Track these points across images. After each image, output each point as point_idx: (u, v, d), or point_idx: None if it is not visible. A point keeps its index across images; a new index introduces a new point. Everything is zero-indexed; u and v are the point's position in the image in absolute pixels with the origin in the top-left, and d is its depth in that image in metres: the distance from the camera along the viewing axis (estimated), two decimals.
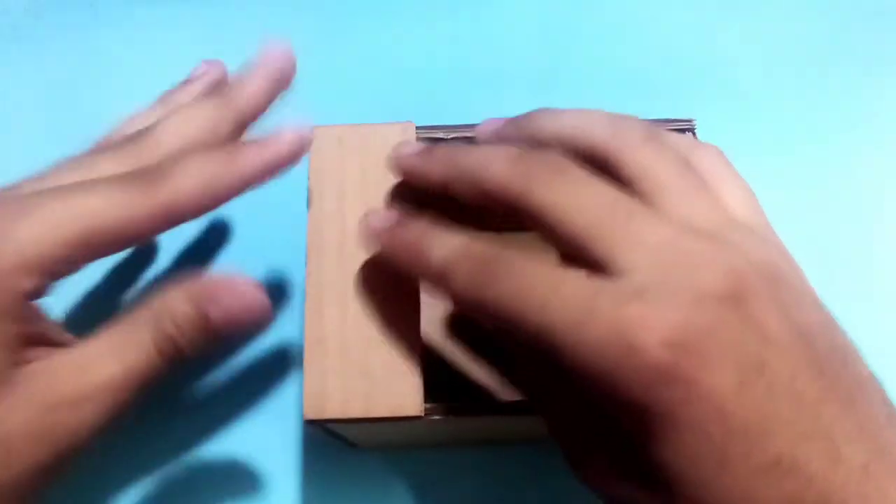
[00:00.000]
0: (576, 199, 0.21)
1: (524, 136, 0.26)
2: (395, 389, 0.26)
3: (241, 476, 0.35)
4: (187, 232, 0.40)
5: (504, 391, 0.34)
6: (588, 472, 0.22)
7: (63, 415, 0.23)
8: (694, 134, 0.30)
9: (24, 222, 0.23)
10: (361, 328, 0.26)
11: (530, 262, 0.21)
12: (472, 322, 0.35)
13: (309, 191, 0.28)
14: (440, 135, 0.29)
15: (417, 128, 0.29)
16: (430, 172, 0.25)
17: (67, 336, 0.26)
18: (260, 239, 0.40)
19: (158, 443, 0.35)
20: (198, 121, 0.27)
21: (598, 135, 0.24)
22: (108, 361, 0.24)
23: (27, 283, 0.23)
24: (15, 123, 0.44)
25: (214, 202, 0.25)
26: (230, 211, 0.40)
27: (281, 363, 0.37)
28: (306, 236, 0.27)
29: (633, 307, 0.19)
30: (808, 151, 0.43)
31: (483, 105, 0.43)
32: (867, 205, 0.42)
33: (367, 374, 0.26)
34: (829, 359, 0.20)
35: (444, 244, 0.23)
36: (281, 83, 0.28)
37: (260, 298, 0.25)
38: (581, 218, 0.21)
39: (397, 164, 0.26)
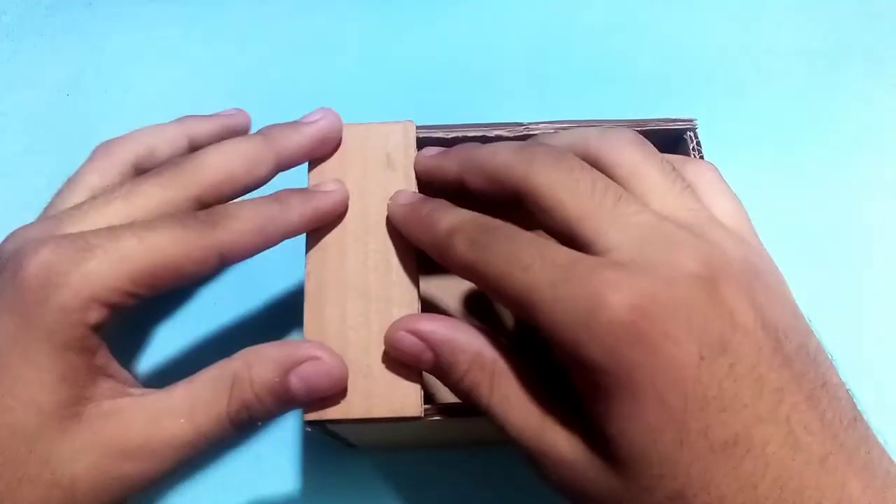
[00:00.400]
0: (570, 184, 0.23)
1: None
2: (395, 390, 0.25)
3: (240, 476, 0.35)
4: None
5: None
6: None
7: (129, 465, 0.23)
8: (695, 133, 0.30)
9: (94, 257, 0.23)
10: (361, 328, 0.26)
11: (524, 232, 0.23)
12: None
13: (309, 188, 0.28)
14: (440, 134, 0.29)
15: (418, 127, 0.29)
16: (447, 168, 0.27)
17: (125, 373, 0.25)
18: None
19: None
20: (240, 156, 0.27)
21: (592, 141, 0.25)
22: (180, 419, 0.24)
23: (94, 316, 0.23)
24: (15, 123, 0.44)
25: (265, 246, 0.26)
26: None
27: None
28: (306, 235, 0.27)
29: (608, 272, 0.20)
30: (807, 151, 0.43)
31: (483, 104, 0.43)
32: (867, 204, 0.42)
33: (367, 375, 0.26)
34: (796, 356, 0.20)
35: (453, 215, 0.25)
36: (324, 146, 0.29)
37: (341, 371, 0.25)
38: (573, 200, 0.22)
39: (418, 165, 0.28)
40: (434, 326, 0.24)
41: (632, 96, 0.44)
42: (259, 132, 0.28)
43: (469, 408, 0.26)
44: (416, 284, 0.27)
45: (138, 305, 0.24)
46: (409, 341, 0.25)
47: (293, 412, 0.35)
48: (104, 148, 0.30)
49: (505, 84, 0.44)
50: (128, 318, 0.35)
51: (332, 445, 0.34)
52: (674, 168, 0.24)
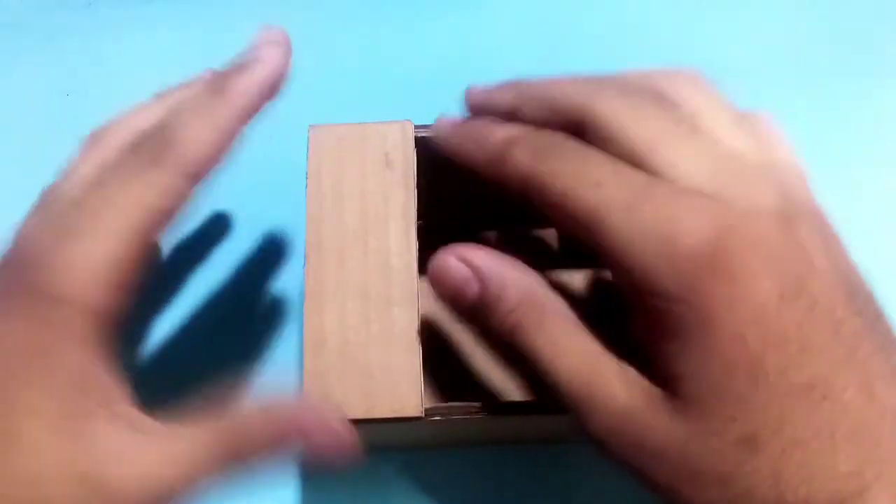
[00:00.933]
0: (639, 113, 0.22)
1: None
2: (395, 390, 0.25)
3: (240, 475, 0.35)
4: (186, 229, 0.40)
5: (505, 392, 0.34)
6: None
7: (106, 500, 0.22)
8: None
9: (79, 237, 0.23)
10: (361, 328, 0.26)
11: (594, 148, 0.22)
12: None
13: (307, 190, 0.28)
14: None
15: (416, 127, 0.29)
16: (499, 99, 0.26)
17: (125, 388, 0.24)
18: (259, 237, 0.40)
19: None
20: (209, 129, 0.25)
21: (659, 79, 0.24)
22: (170, 464, 0.22)
23: (103, 300, 0.22)
24: (15, 123, 0.44)
25: (227, 143, 0.25)
26: (229, 208, 0.41)
27: (280, 364, 0.37)
28: (305, 236, 0.27)
29: (689, 198, 0.20)
30: (807, 151, 0.43)
31: None
32: (866, 203, 0.41)
33: (367, 375, 0.26)
34: (866, 307, 0.20)
35: (508, 128, 0.24)
36: (277, 83, 0.27)
37: (351, 438, 0.23)
38: (642, 130, 0.21)
39: (469, 96, 0.27)
40: (485, 256, 0.23)
41: None
42: (211, 86, 0.26)
43: (469, 408, 0.26)
44: (416, 284, 0.27)
45: (140, 278, 0.24)
46: (456, 268, 0.23)
47: None
48: (94, 137, 0.30)
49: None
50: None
51: None
52: (739, 112, 0.23)
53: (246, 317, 0.38)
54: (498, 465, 0.35)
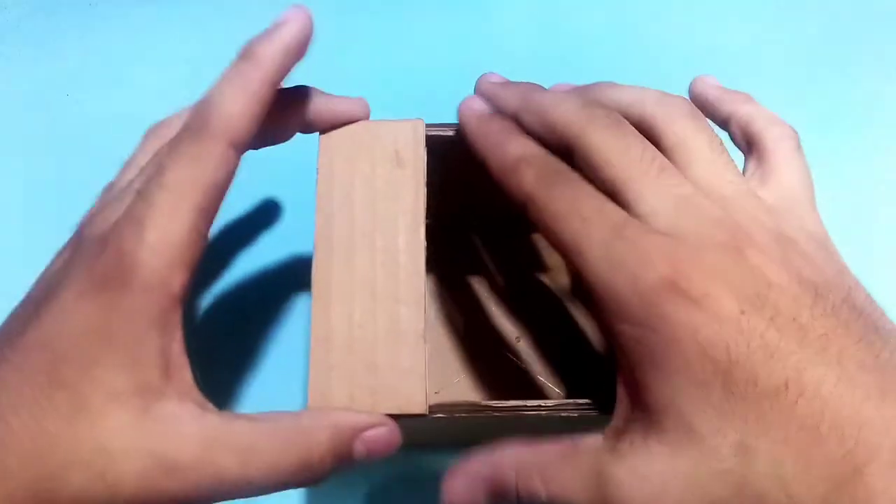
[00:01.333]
0: (622, 148, 0.24)
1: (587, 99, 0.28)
2: (401, 388, 0.25)
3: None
4: None
5: (511, 391, 0.34)
6: None
7: (174, 485, 0.22)
8: None
9: (150, 226, 0.23)
10: (367, 326, 0.26)
11: (586, 183, 0.25)
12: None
13: (317, 186, 0.28)
14: (450, 132, 0.29)
15: (427, 125, 0.29)
16: (507, 100, 0.28)
17: (192, 376, 0.25)
18: (268, 233, 0.40)
19: None
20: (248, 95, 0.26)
21: (648, 106, 0.26)
22: (234, 457, 0.23)
23: (177, 281, 0.23)
24: (15, 123, 0.44)
25: (263, 109, 0.25)
26: (238, 203, 0.41)
27: (287, 360, 0.37)
28: (314, 232, 0.27)
29: (653, 237, 0.22)
30: (806, 151, 0.43)
31: None
32: (867, 203, 0.42)
33: (373, 372, 0.26)
34: (841, 307, 0.21)
35: (523, 144, 0.26)
36: (302, 42, 0.27)
37: (398, 437, 0.26)
38: (622, 163, 0.24)
39: (480, 85, 0.30)
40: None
41: None
42: (242, 55, 0.26)
43: (473, 407, 0.26)
44: (423, 283, 0.27)
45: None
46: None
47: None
48: (153, 130, 0.31)
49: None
50: None
51: None
52: (721, 143, 0.25)
53: (254, 312, 0.38)
54: None
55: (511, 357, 0.35)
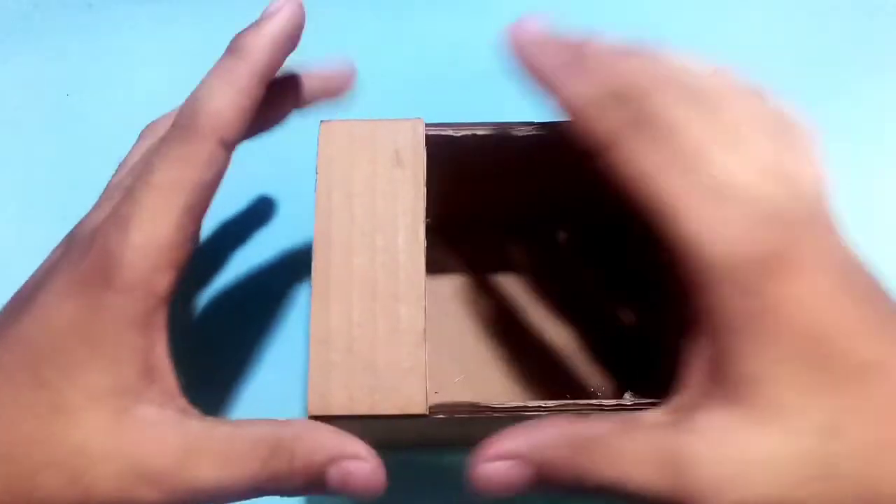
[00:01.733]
0: (692, 114, 0.23)
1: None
2: (401, 387, 0.25)
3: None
4: None
5: (511, 392, 0.33)
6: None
7: (148, 492, 0.21)
8: None
9: (133, 224, 0.23)
10: (367, 325, 0.26)
11: (685, 138, 0.22)
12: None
13: (317, 185, 0.28)
14: (450, 132, 0.29)
15: (427, 125, 0.29)
16: (553, 59, 0.25)
17: (174, 379, 0.24)
18: (267, 232, 0.40)
19: None
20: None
21: (705, 76, 0.25)
22: (212, 463, 0.22)
23: (161, 282, 0.23)
24: (15, 123, 0.44)
25: (254, 102, 0.25)
26: (237, 201, 0.41)
27: (286, 359, 0.36)
28: (314, 231, 0.27)
29: (756, 205, 0.21)
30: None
31: (488, 103, 0.43)
32: (866, 202, 0.42)
33: (373, 372, 0.25)
34: (890, 294, 0.22)
35: (605, 78, 0.23)
36: (292, 34, 0.27)
37: (380, 481, 0.23)
38: (696, 132, 0.22)
39: (515, 40, 0.26)
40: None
41: None
42: (229, 50, 0.26)
43: (474, 408, 0.26)
44: (424, 282, 0.27)
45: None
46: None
47: (297, 411, 0.35)
48: (149, 128, 0.31)
49: (510, 82, 0.44)
50: None
51: None
52: (784, 125, 0.24)
53: (253, 311, 0.38)
54: None
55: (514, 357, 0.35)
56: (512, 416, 0.26)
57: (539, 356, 0.37)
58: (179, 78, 0.45)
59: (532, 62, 0.25)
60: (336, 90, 0.29)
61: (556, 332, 0.38)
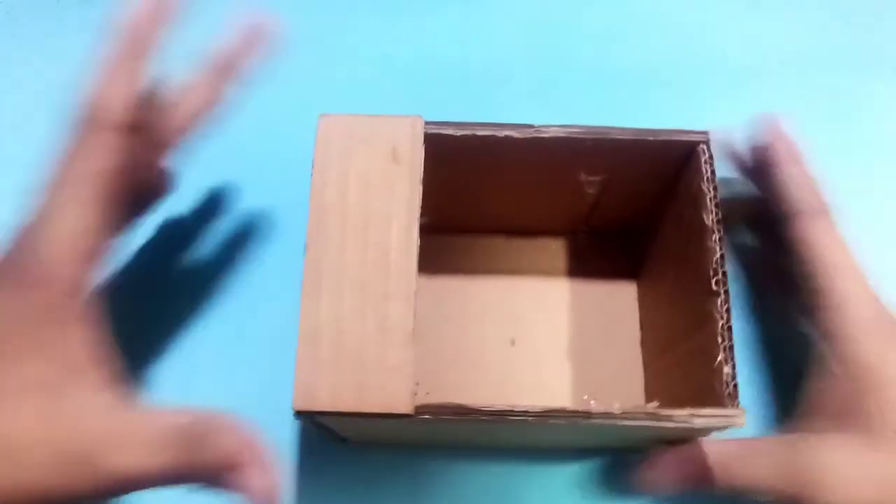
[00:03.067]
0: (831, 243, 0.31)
1: None
2: (387, 386, 0.25)
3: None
4: (184, 209, 0.40)
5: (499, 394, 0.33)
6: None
7: (77, 472, 0.22)
8: (708, 146, 0.29)
9: (47, 218, 0.24)
10: (356, 321, 0.26)
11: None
12: None
13: (312, 178, 0.28)
14: (450, 131, 0.29)
15: (427, 123, 0.28)
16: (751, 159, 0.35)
17: (114, 364, 0.25)
18: (262, 224, 0.40)
19: None
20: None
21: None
22: (137, 450, 0.23)
23: (76, 273, 0.24)
24: (15, 121, 0.44)
25: (134, 80, 0.26)
26: (234, 192, 0.41)
27: (274, 351, 0.36)
28: (307, 225, 0.27)
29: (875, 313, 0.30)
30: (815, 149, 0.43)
31: (488, 101, 0.43)
32: (866, 201, 0.41)
33: (360, 369, 0.25)
34: None
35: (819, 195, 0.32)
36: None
37: (276, 495, 0.24)
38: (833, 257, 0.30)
39: (729, 152, 0.35)
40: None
41: (632, 95, 0.43)
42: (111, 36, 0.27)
43: (459, 410, 0.26)
44: (415, 281, 0.26)
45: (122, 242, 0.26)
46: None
47: (285, 406, 0.35)
48: None
49: (509, 81, 0.44)
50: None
51: (325, 442, 0.33)
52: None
53: (242, 303, 0.38)
54: (492, 468, 0.35)
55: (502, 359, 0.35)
56: (498, 419, 0.26)
57: (534, 358, 0.37)
58: (179, 76, 0.45)
59: (777, 153, 0.32)
60: (257, 43, 0.31)
61: (551, 335, 0.37)
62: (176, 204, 0.39)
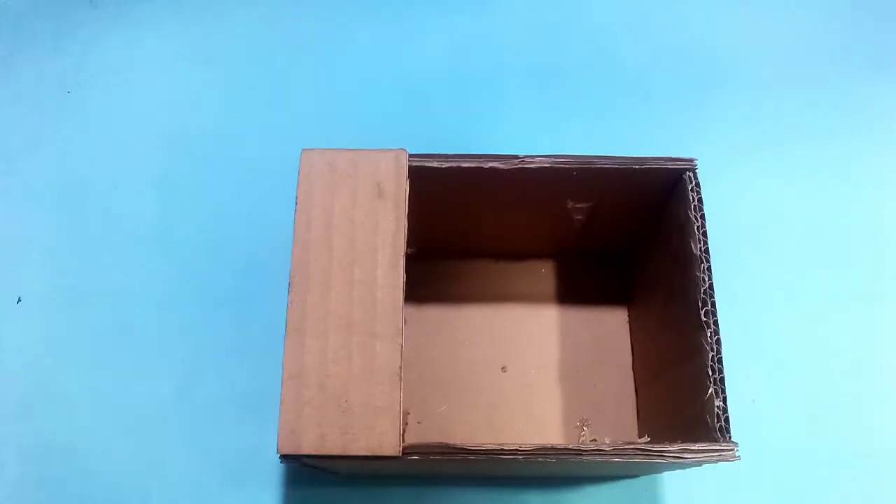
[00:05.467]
0: None
1: None
2: (374, 428, 0.25)
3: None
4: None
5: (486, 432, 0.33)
6: None
7: None
8: (694, 174, 0.29)
9: None
10: (342, 361, 0.25)
11: None
12: None
13: (296, 215, 0.27)
14: (434, 164, 0.28)
15: (411, 155, 0.28)
16: None
17: None
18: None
19: None
20: None
21: None
22: None
23: None
24: (16, 120, 0.44)
25: None
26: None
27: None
28: (291, 264, 0.26)
29: None
30: (807, 149, 0.42)
31: (482, 106, 0.43)
32: (866, 202, 0.41)
33: (346, 410, 0.25)
34: None
35: None
36: None
37: None
38: None
39: None
40: None
41: (632, 96, 0.43)
42: None
43: (447, 449, 0.25)
44: (401, 318, 0.26)
45: None
46: None
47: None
48: None
49: (505, 85, 0.44)
50: None
51: (315, 475, 0.33)
52: None
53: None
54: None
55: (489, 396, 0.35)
56: (487, 458, 0.26)
57: (525, 384, 0.36)
58: (180, 77, 0.45)
59: None
60: None
61: (542, 360, 0.37)
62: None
